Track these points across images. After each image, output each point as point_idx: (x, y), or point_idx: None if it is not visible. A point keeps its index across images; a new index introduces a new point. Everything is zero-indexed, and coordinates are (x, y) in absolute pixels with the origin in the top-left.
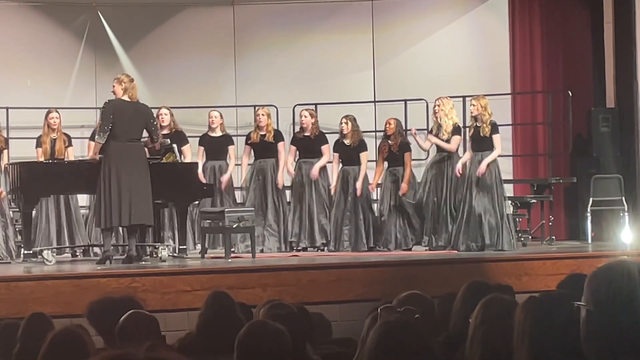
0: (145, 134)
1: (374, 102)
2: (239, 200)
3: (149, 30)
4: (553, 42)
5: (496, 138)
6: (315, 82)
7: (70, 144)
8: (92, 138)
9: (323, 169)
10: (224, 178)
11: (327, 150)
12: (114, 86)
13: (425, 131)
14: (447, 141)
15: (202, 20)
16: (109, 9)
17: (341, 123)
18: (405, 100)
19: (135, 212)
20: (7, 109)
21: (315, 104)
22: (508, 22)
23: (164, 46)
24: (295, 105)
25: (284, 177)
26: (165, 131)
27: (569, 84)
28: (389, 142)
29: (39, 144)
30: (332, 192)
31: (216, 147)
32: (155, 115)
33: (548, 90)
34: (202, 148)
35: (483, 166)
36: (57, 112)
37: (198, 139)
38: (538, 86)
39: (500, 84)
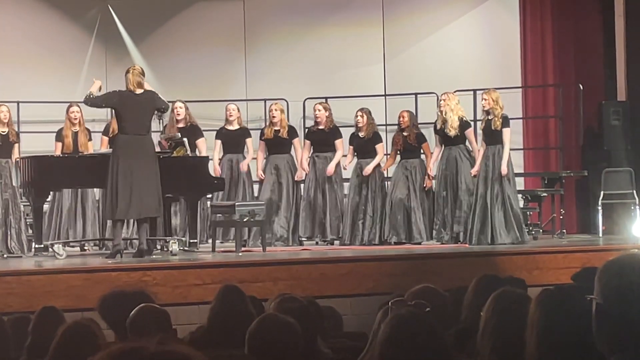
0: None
1: (385, 95)
2: (256, 194)
3: (160, 24)
4: (564, 35)
5: (506, 132)
6: (326, 75)
7: (90, 138)
8: (104, 133)
9: (337, 163)
10: (243, 164)
11: (341, 144)
12: None
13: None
14: (455, 137)
15: (213, 13)
16: (119, 2)
17: (356, 116)
18: (416, 94)
19: (143, 206)
20: (18, 103)
21: (326, 98)
22: (519, 15)
23: (174, 40)
24: (306, 99)
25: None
26: (180, 125)
27: (580, 77)
28: (404, 134)
29: (59, 137)
30: (346, 165)
31: (233, 140)
32: (170, 110)
33: (559, 84)
34: (219, 142)
35: (504, 168)
36: (77, 106)
37: (215, 132)
38: (549, 79)
39: (511, 77)
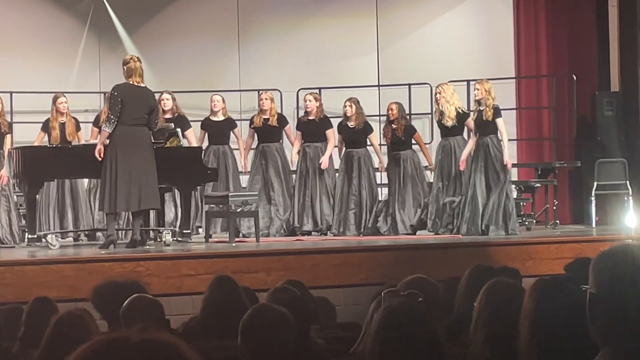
0: None
1: (378, 86)
2: (243, 185)
3: (153, 14)
4: (558, 26)
5: (500, 122)
6: (319, 66)
7: (79, 128)
8: (95, 124)
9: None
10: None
11: (332, 134)
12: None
13: (430, 115)
14: (452, 127)
15: (206, 3)
16: None
17: (345, 106)
18: (410, 85)
19: (144, 197)
20: (11, 93)
21: (319, 88)
22: (513, 6)
23: (167, 30)
24: (299, 89)
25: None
26: (167, 115)
27: (574, 67)
28: (392, 126)
29: (45, 127)
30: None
31: (219, 131)
32: (157, 100)
33: (552, 74)
34: (203, 132)
35: (507, 159)
36: (64, 96)
37: (200, 123)
38: (543, 70)
39: (505, 68)
